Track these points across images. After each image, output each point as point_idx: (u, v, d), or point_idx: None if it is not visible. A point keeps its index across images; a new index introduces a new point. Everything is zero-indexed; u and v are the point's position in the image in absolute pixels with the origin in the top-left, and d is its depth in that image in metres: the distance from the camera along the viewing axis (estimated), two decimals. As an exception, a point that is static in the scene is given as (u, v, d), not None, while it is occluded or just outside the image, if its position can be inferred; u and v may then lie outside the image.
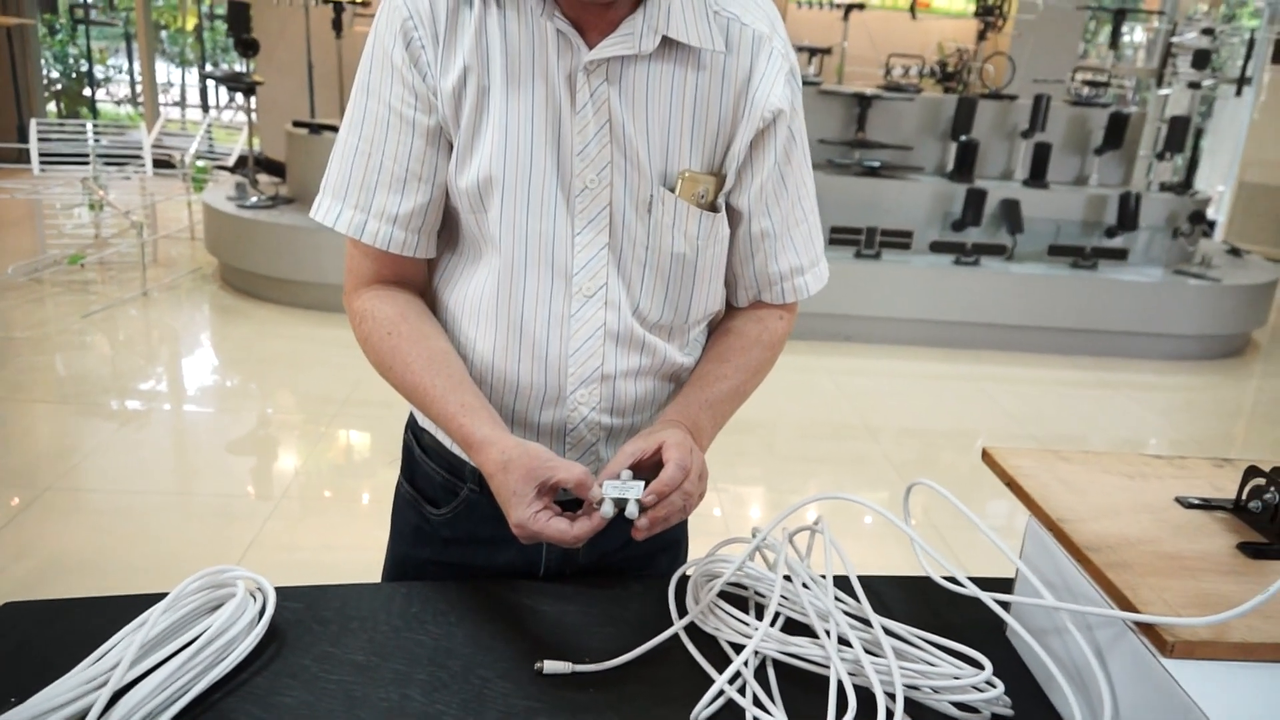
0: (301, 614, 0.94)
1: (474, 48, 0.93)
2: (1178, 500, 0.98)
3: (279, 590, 0.94)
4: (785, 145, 1.02)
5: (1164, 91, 6.56)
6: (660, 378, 1.08)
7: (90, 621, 0.88)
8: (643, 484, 0.89)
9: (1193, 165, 6.33)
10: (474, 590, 1.01)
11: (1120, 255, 5.62)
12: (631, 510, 0.87)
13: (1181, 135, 5.94)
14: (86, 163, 5.78)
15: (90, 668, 0.78)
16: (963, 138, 5.69)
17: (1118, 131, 5.77)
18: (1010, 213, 5.50)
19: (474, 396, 0.97)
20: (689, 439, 0.94)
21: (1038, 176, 5.74)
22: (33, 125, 5.99)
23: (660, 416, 1.04)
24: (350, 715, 0.81)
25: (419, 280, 1.08)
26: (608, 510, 0.87)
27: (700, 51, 0.96)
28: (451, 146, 0.98)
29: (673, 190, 0.98)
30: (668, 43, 0.94)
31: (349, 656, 0.89)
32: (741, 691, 0.85)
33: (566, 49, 0.93)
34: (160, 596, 0.87)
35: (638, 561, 1.16)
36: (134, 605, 0.87)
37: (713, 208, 1.02)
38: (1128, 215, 5.53)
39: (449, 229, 1.06)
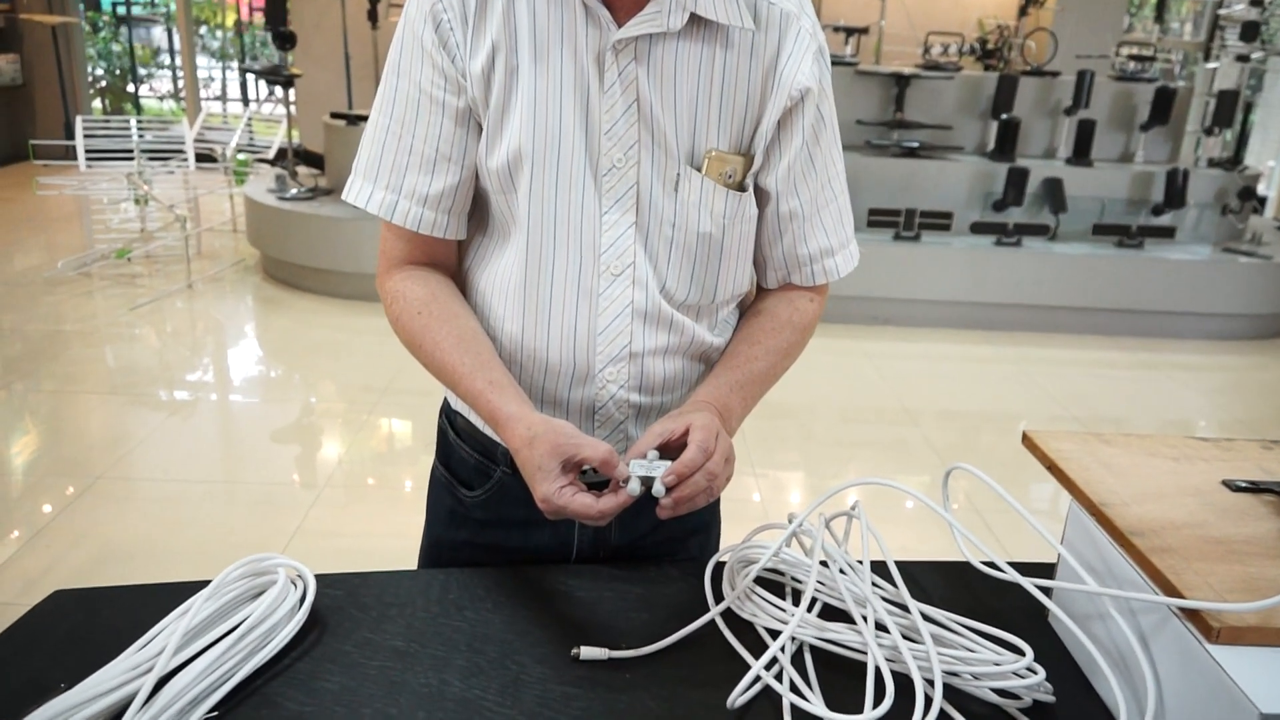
0: (341, 600, 0.95)
1: (502, 28, 0.94)
2: (1224, 483, 0.96)
3: (319, 578, 0.95)
4: (813, 125, 1.02)
5: (1211, 65, 6.40)
6: (689, 357, 1.08)
7: (136, 609, 0.90)
8: (668, 464, 0.89)
9: (1242, 140, 6.18)
10: (510, 575, 1.02)
11: (1167, 233, 5.50)
12: (658, 489, 0.87)
13: (1230, 110, 5.79)
14: (131, 158, 5.88)
15: (135, 654, 0.80)
16: (1004, 116, 5.59)
17: (1164, 107, 5.64)
18: (1053, 192, 5.41)
19: (502, 374, 0.98)
20: (716, 422, 0.94)
21: (1081, 154, 5.63)
22: (78, 122, 6.10)
23: (690, 398, 1.04)
24: (390, 700, 0.82)
25: (450, 262, 1.09)
26: (634, 488, 0.87)
27: (729, 29, 0.95)
28: (481, 128, 0.99)
29: (699, 170, 0.98)
30: (696, 20, 0.94)
31: (388, 642, 0.90)
32: (778, 678, 0.85)
33: (595, 27, 0.93)
34: (204, 584, 0.88)
35: (669, 545, 1.16)
36: (178, 593, 0.89)
37: (740, 187, 1.01)
38: (1175, 192, 5.41)
39: (479, 211, 1.07)
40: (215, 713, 0.78)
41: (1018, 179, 5.35)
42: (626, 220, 0.99)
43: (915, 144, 5.61)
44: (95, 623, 0.90)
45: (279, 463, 3.42)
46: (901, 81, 5.65)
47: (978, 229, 5.41)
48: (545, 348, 1.03)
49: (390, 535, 2.86)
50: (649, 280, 1.01)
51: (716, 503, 1.23)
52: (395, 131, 0.99)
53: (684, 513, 0.90)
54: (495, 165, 0.98)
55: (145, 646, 0.81)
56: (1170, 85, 5.71)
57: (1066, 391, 4.54)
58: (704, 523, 1.21)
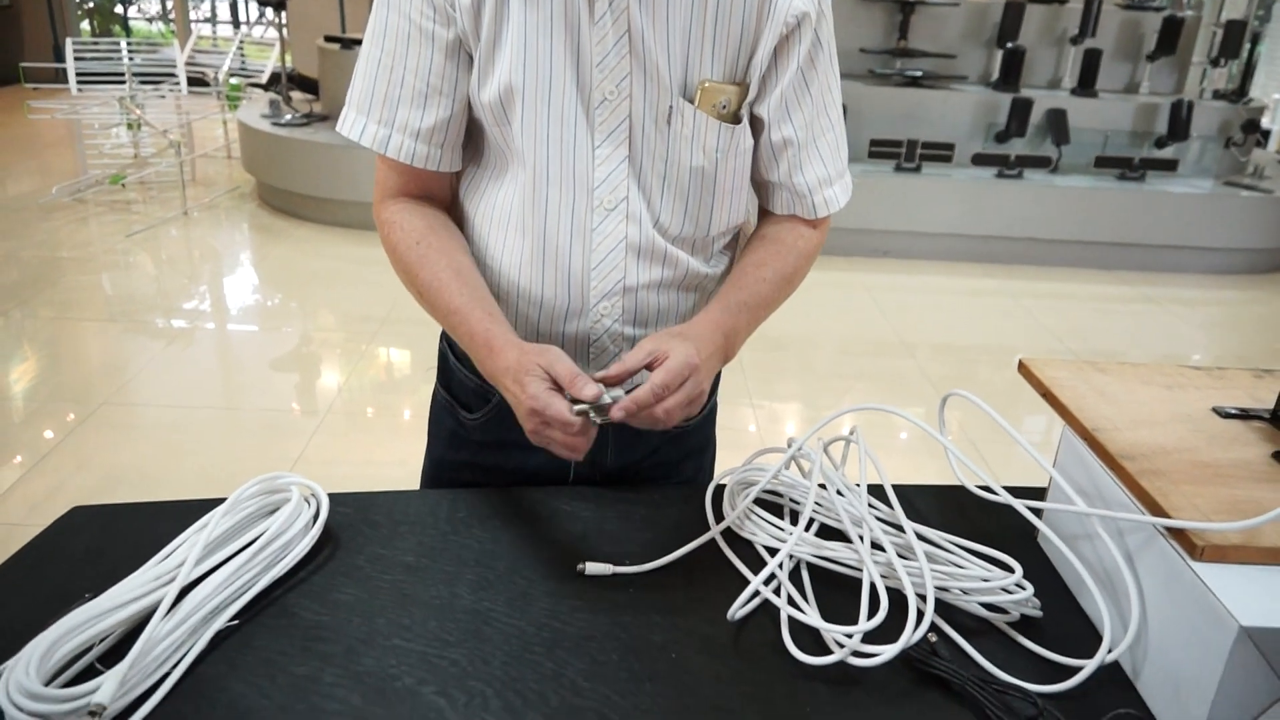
0: (353, 518, 0.98)
1: None
2: (1215, 410, 0.98)
3: (330, 496, 0.98)
4: (810, 50, 1.00)
5: (1222, -7, 6.28)
6: (683, 289, 1.09)
7: (153, 524, 0.93)
8: (622, 394, 0.90)
9: (1248, 72, 6.09)
10: (517, 496, 1.04)
11: (1170, 166, 5.47)
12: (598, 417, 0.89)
13: (1237, 40, 5.71)
14: (122, 81, 5.79)
15: (158, 565, 0.82)
16: (1009, 45, 5.51)
17: (1171, 36, 5.56)
18: (1057, 123, 5.36)
19: (496, 308, 0.99)
20: (696, 358, 0.93)
21: (1087, 85, 5.57)
22: (69, 45, 5.99)
23: (698, 314, 1.03)
24: (402, 610, 0.85)
25: (444, 194, 1.09)
26: (596, 419, 0.89)
27: None
28: (472, 60, 0.98)
29: (692, 101, 0.97)
30: None
31: (399, 558, 0.93)
32: (776, 592, 0.88)
33: None
34: (218, 502, 0.91)
35: (664, 469, 1.19)
36: (194, 510, 0.91)
37: (735, 118, 1.00)
38: (1179, 124, 5.36)
39: (474, 142, 1.06)
40: (236, 621, 0.82)
41: (1021, 110, 5.30)
42: (619, 155, 0.98)
43: (918, 73, 5.53)
44: (113, 537, 0.93)
45: (280, 391, 3.44)
46: (906, 8, 5.55)
47: (979, 160, 5.38)
48: (540, 283, 1.03)
49: (392, 463, 2.90)
50: (643, 215, 1.01)
51: (711, 426, 1.26)
52: (386, 64, 0.98)
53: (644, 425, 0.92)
54: (488, 99, 0.97)
55: (167, 559, 0.83)
56: (1178, 14, 5.62)
57: (1065, 325, 4.56)
58: (698, 446, 1.24)
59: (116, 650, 0.76)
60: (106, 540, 0.93)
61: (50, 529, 0.95)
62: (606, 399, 0.89)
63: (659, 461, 1.18)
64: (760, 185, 1.11)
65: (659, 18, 0.94)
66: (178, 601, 0.79)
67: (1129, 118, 5.52)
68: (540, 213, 1.00)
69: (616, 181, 0.99)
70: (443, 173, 1.05)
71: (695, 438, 1.22)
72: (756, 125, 1.04)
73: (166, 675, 0.75)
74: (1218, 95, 5.81)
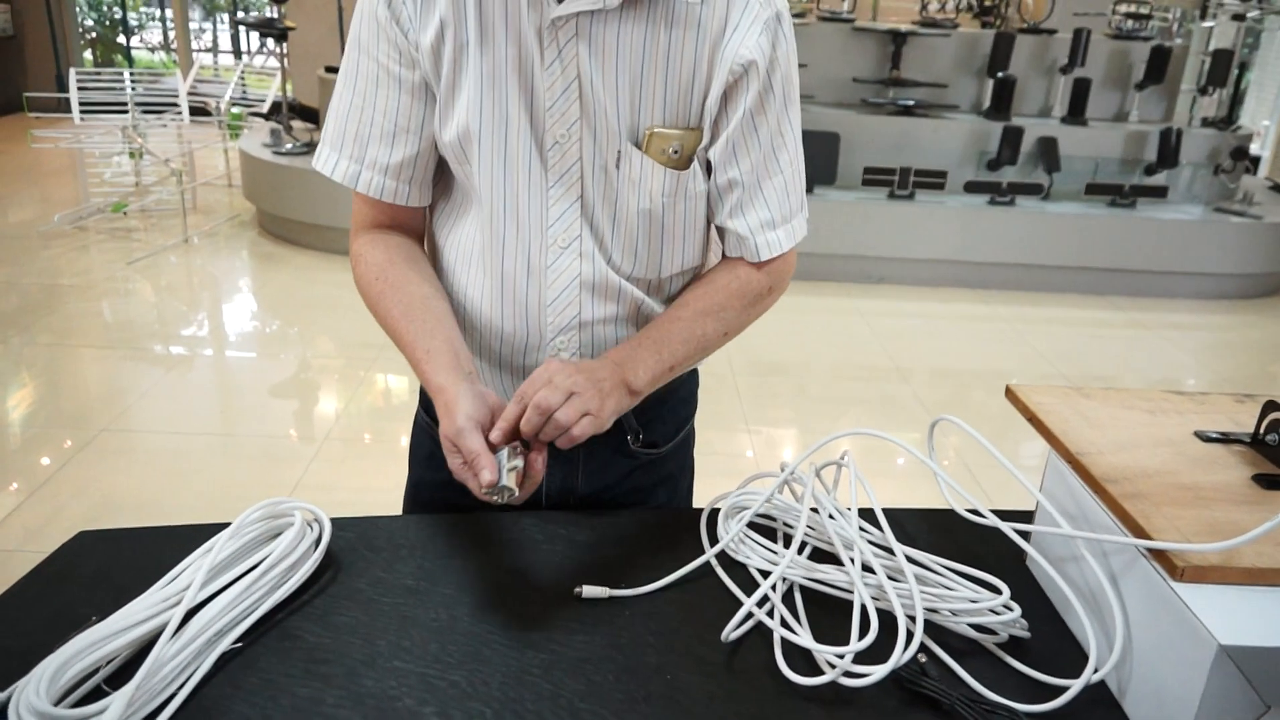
0: (354, 543, 1.00)
1: (450, 2, 0.95)
2: (1197, 434, 1.00)
3: (332, 520, 1.00)
4: (760, 95, 1.00)
5: (1208, 24, 6.37)
6: (638, 324, 1.11)
7: (159, 548, 0.94)
8: (520, 454, 0.91)
9: (1236, 100, 6.17)
10: (514, 521, 1.06)
11: (1160, 193, 5.53)
12: (506, 483, 0.87)
13: (1225, 69, 5.79)
14: (124, 111, 5.85)
15: (164, 589, 0.84)
16: (1000, 74, 5.59)
17: (1160, 66, 5.64)
18: (1047, 151, 5.42)
19: (441, 343, 0.99)
20: (552, 362, 0.95)
21: (1076, 113, 5.64)
22: (72, 75, 6.05)
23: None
24: (403, 633, 0.87)
25: (415, 225, 1.12)
26: (504, 499, 0.88)
27: (674, 5, 0.94)
28: (436, 99, 1.01)
29: (640, 147, 0.99)
30: None
31: (400, 581, 0.94)
32: (770, 614, 0.90)
33: (536, 4, 0.93)
34: (222, 526, 0.93)
35: (636, 494, 1.21)
36: (198, 534, 0.93)
37: (686, 164, 1.02)
38: (1168, 152, 5.43)
39: (444, 178, 1.10)
40: (240, 643, 0.83)
41: (1013, 138, 5.36)
42: (571, 195, 1.01)
43: (911, 102, 5.60)
44: (119, 561, 0.95)
45: (279, 417, 3.46)
46: (898, 39, 5.63)
47: (971, 188, 5.43)
48: (500, 317, 1.07)
49: (389, 489, 2.88)
50: (595, 253, 1.04)
51: (686, 454, 1.28)
52: (357, 104, 1.02)
53: (567, 445, 0.92)
54: (449, 139, 1.01)
55: (172, 582, 0.85)
56: (1166, 44, 5.70)
57: (1058, 350, 4.59)
58: (671, 474, 1.25)
59: (122, 672, 0.78)
60: (112, 564, 0.95)
61: (57, 553, 0.97)
62: (505, 480, 0.87)
63: (632, 488, 1.20)
64: (716, 229, 1.12)
65: (608, 66, 0.96)
66: (183, 624, 0.80)
67: (1119, 145, 5.59)
68: (498, 250, 1.04)
69: (569, 220, 1.02)
70: (412, 207, 1.08)
71: (668, 465, 1.24)
72: (708, 169, 1.05)
73: (172, 697, 0.76)
74: (1206, 123, 5.88)
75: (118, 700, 0.71)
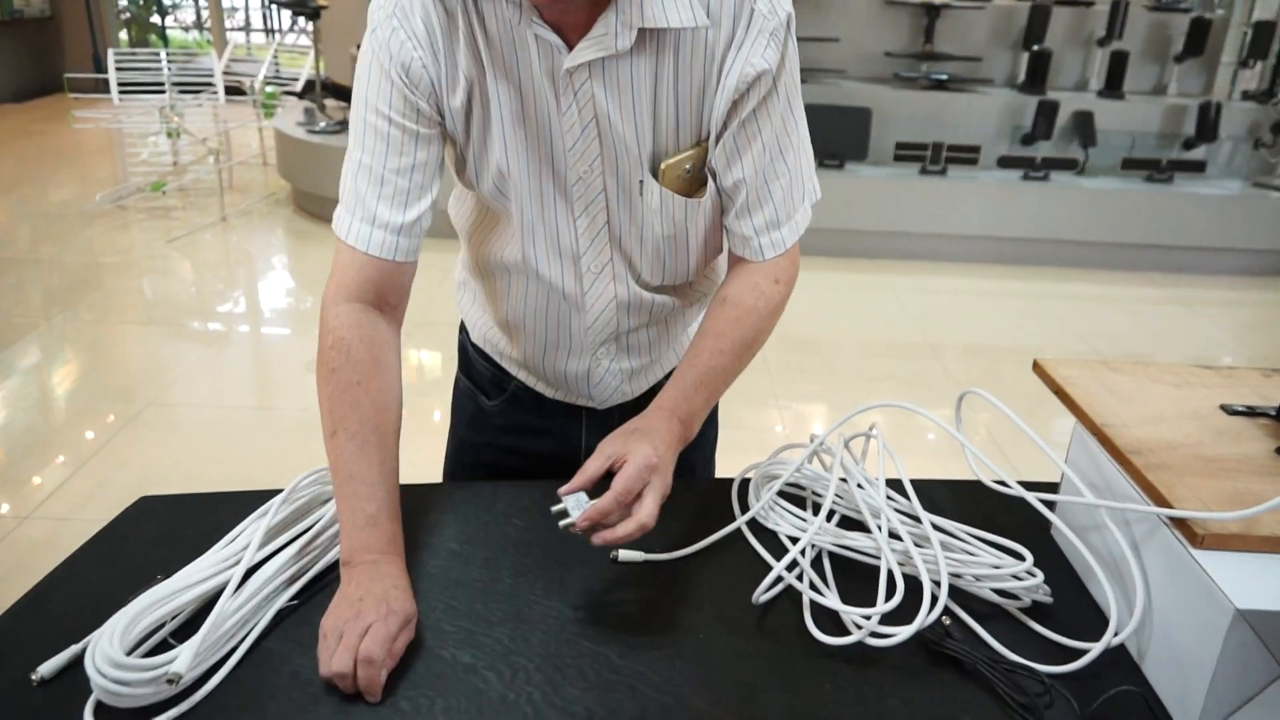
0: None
1: (470, 60, 0.96)
2: (1222, 407, 1.02)
3: (379, 487, 1.04)
4: (764, 99, 1.00)
5: (1252, -7, 6.24)
6: (669, 323, 1.19)
7: (216, 512, 0.99)
8: (588, 504, 0.89)
9: (1278, 72, 6.04)
10: (553, 488, 1.10)
11: (1198, 168, 5.45)
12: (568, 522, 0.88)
13: (1267, 41, 5.68)
14: (161, 90, 5.93)
15: (224, 549, 0.89)
16: (1035, 47, 5.52)
17: (1199, 38, 5.54)
18: (1083, 125, 5.36)
19: (378, 507, 0.93)
20: (653, 455, 0.92)
21: (1113, 87, 5.56)
22: (110, 56, 6.14)
23: (656, 400, 1.03)
24: (447, 593, 0.91)
25: (403, 284, 1.05)
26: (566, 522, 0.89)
27: (681, 32, 0.95)
28: (451, 149, 1.04)
29: (657, 178, 1.01)
30: (647, 32, 0.94)
31: (444, 544, 0.99)
32: (799, 578, 0.93)
33: (547, 53, 0.94)
34: (275, 492, 0.97)
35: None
36: (253, 499, 0.98)
37: (701, 185, 1.04)
38: (1207, 126, 5.34)
39: (480, 203, 1.11)
40: (296, 600, 0.88)
41: (1048, 112, 5.30)
42: (599, 223, 1.05)
43: (944, 76, 5.55)
44: (180, 524, 1.00)
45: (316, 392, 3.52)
46: (932, 12, 5.57)
47: (1005, 163, 5.38)
48: (543, 333, 1.14)
49: (423, 463, 2.95)
50: (626, 275, 1.09)
51: (710, 444, 1.33)
52: (367, 164, 0.99)
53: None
54: (486, 189, 1.04)
55: (232, 543, 0.90)
56: (1206, 15, 5.60)
57: (1092, 327, 4.56)
58: (690, 466, 1.25)
59: (186, 627, 0.83)
60: (173, 526, 1.00)
61: (121, 516, 1.02)
62: (571, 510, 0.88)
63: None
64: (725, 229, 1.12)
65: (624, 101, 0.97)
66: (243, 582, 0.85)
67: (1156, 119, 5.51)
68: (534, 281, 1.09)
69: (600, 247, 1.06)
70: (410, 263, 1.04)
71: (689, 453, 1.22)
72: (713, 173, 1.06)
73: (235, 649, 0.81)
74: (1246, 96, 5.77)
75: (186, 650, 0.76)
